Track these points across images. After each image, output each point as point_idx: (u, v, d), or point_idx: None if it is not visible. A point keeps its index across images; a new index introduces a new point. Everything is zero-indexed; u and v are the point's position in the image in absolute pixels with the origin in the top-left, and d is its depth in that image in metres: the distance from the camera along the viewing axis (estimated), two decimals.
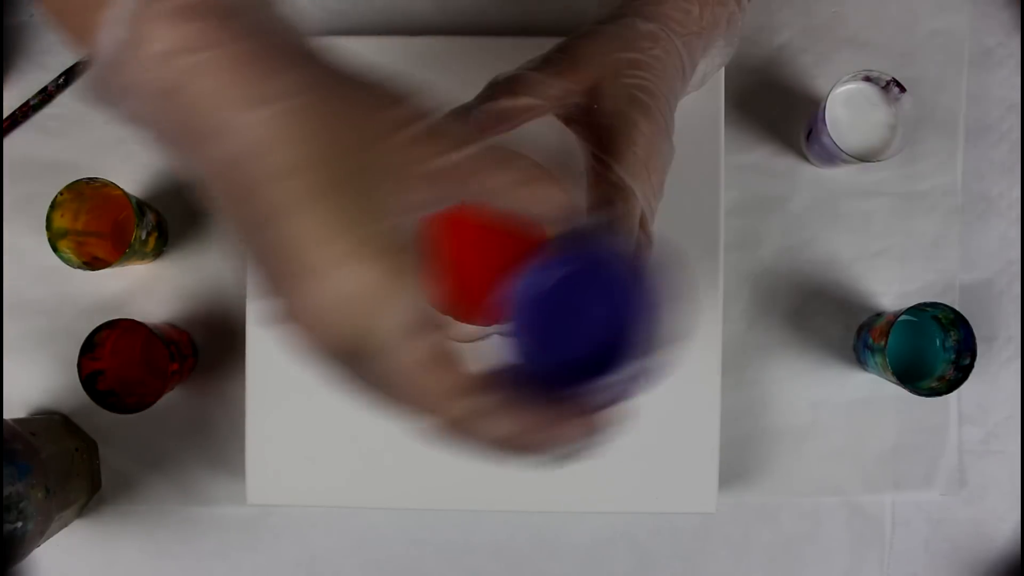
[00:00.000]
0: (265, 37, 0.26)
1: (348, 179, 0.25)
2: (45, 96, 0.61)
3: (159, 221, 0.59)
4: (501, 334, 0.30)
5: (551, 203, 0.29)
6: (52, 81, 0.61)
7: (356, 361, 0.26)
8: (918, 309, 0.55)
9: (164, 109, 0.25)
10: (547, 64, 0.39)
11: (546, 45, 0.41)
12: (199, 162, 0.26)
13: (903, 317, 0.55)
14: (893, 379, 0.55)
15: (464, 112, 0.38)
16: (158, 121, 0.26)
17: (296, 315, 0.25)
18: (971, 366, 0.54)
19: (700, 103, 0.51)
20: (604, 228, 0.30)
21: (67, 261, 0.56)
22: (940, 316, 0.57)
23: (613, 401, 0.29)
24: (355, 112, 0.26)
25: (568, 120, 0.40)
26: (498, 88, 0.39)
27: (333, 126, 0.25)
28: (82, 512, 0.60)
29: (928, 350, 0.59)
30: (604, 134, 0.38)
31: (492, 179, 0.28)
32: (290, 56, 0.26)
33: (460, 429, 0.27)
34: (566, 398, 0.28)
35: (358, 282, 0.25)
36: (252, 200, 0.25)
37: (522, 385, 0.28)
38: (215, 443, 0.61)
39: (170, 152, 0.27)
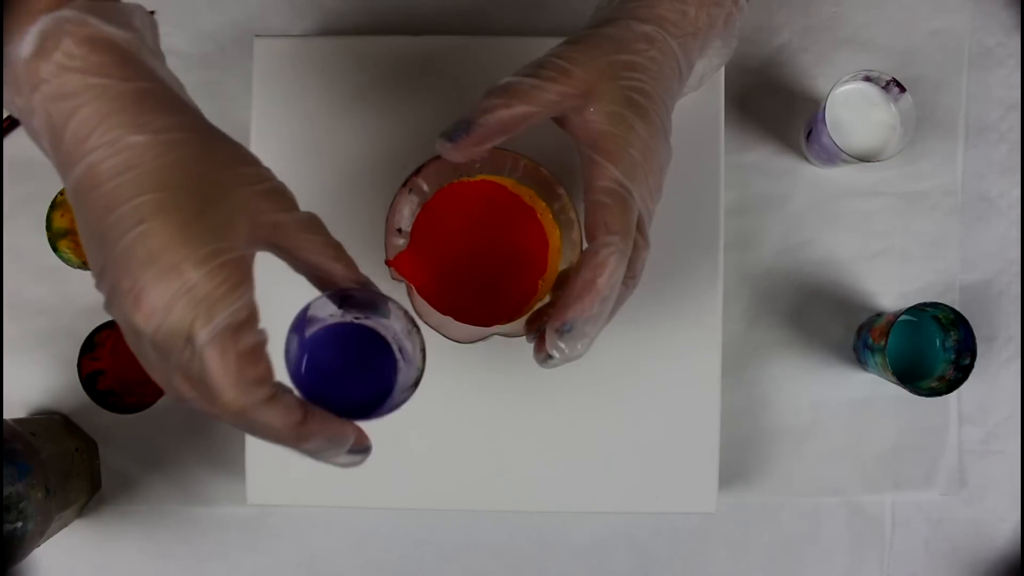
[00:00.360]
0: (155, 83, 0.32)
1: (206, 205, 0.31)
2: None
3: None
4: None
5: (340, 272, 0.35)
6: None
7: (169, 348, 0.30)
8: (918, 309, 0.55)
9: (54, 113, 0.31)
10: (542, 69, 0.39)
11: (546, 45, 0.40)
12: (72, 167, 0.31)
13: (903, 317, 0.55)
14: (893, 379, 0.55)
15: (464, 124, 0.38)
16: (47, 124, 0.31)
17: (132, 293, 0.30)
18: (971, 366, 0.54)
19: (700, 103, 0.51)
20: (373, 300, 0.37)
21: (67, 261, 0.56)
22: (940, 316, 0.57)
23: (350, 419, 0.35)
24: (221, 158, 0.32)
25: (565, 123, 0.40)
26: (494, 96, 0.39)
27: (202, 162, 0.31)
28: (82, 512, 0.60)
29: (928, 350, 0.59)
30: (601, 136, 0.38)
31: (308, 241, 0.34)
32: (172, 103, 0.32)
33: (244, 415, 0.31)
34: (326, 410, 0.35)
35: (208, 281, 0.30)
36: (118, 205, 0.30)
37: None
38: (215, 443, 0.61)
39: (47, 152, 0.32)
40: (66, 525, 0.58)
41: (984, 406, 0.61)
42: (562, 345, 0.38)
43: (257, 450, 0.53)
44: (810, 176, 0.61)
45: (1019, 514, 0.60)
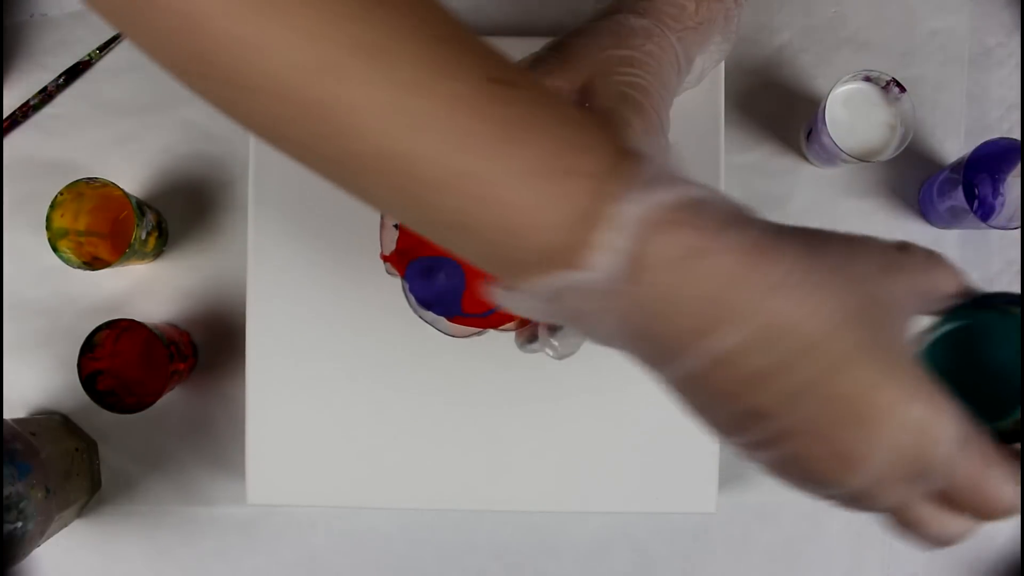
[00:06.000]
0: (743, 223, 0.27)
1: (872, 330, 0.27)
2: (45, 96, 0.61)
3: (159, 221, 0.59)
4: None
5: (957, 281, 0.30)
6: (52, 81, 0.61)
7: (906, 483, 0.27)
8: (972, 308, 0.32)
9: (658, 316, 0.26)
10: (538, 63, 0.39)
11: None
12: (685, 364, 0.27)
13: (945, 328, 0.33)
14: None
15: None
16: (642, 328, 0.27)
17: (838, 458, 0.26)
18: None
19: (700, 103, 0.51)
20: None
21: (67, 261, 0.56)
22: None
23: None
24: (848, 272, 0.27)
25: None
26: None
27: (841, 289, 0.27)
28: (82, 512, 0.60)
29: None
30: None
31: (930, 283, 0.29)
32: (771, 236, 0.27)
33: (1014, 508, 0.28)
34: None
35: (920, 414, 0.26)
36: (790, 372, 0.26)
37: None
38: (215, 443, 0.61)
39: (642, 358, 0.28)
40: (66, 525, 0.58)
41: None
42: (555, 343, 0.38)
43: (257, 450, 0.53)
44: (810, 176, 0.61)
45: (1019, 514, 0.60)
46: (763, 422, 0.27)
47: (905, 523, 0.29)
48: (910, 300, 0.28)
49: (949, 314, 0.31)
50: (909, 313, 0.29)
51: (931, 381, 0.27)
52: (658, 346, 0.27)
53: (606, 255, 0.25)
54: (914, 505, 0.28)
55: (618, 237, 0.25)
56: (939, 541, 0.29)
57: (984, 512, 0.28)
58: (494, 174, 0.25)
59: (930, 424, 0.26)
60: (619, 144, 0.27)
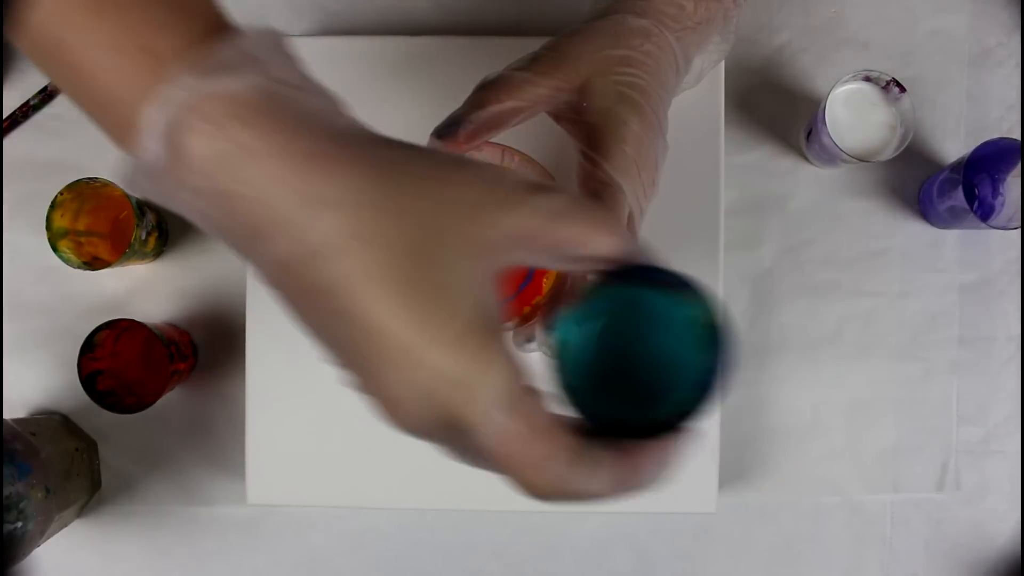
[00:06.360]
0: (313, 127, 0.25)
1: (423, 268, 0.25)
2: (45, 96, 0.61)
3: (159, 221, 0.59)
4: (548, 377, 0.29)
5: (610, 246, 0.28)
6: (52, 81, 0.61)
7: (448, 437, 0.26)
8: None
9: (218, 209, 0.25)
10: (535, 63, 0.39)
11: None
12: (260, 260, 0.26)
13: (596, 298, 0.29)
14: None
15: (454, 122, 0.38)
16: (213, 219, 0.26)
17: (383, 398, 0.25)
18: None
19: (700, 103, 0.51)
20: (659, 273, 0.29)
21: (67, 261, 0.56)
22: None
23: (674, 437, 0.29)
24: (417, 198, 0.25)
25: (559, 118, 0.40)
26: (485, 91, 0.39)
27: (399, 218, 0.25)
28: (82, 512, 0.60)
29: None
30: (593, 132, 0.38)
31: (554, 234, 0.27)
32: (345, 149, 0.26)
33: (558, 491, 0.27)
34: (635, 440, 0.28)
35: (448, 366, 0.24)
36: (325, 296, 0.25)
37: (594, 434, 0.27)
38: (215, 443, 0.61)
39: (227, 245, 0.27)
40: (66, 525, 0.58)
41: (984, 406, 0.61)
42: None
43: (257, 450, 0.53)
44: (810, 176, 0.61)
45: (1019, 514, 0.60)
46: (328, 343, 0.26)
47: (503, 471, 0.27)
48: (509, 245, 0.26)
49: (608, 281, 0.28)
50: (500, 259, 0.26)
51: (485, 335, 0.25)
52: (229, 243, 0.26)
53: (151, 140, 0.25)
54: (467, 458, 0.27)
55: (159, 121, 0.25)
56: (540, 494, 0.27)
57: (521, 484, 0.26)
58: (83, 46, 0.25)
59: (465, 379, 0.24)
60: (213, 26, 0.26)
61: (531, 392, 0.26)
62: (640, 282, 0.29)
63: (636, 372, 0.29)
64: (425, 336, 0.24)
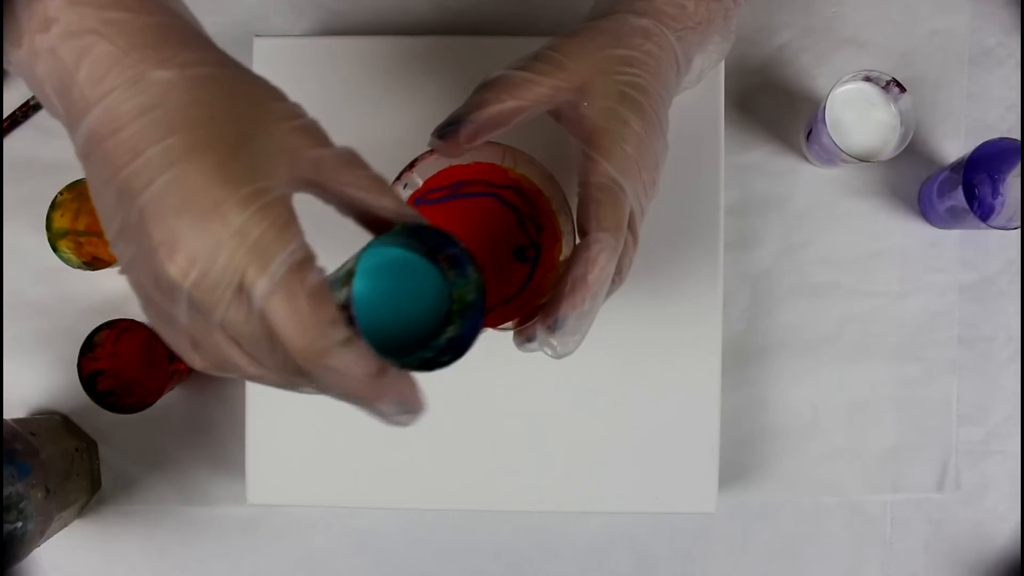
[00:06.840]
0: (175, 18, 0.30)
1: (243, 142, 0.28)
2: None
3: None
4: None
5: (391, 206, 0.32)
6: None
7: (228, 302, 0.28)
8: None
9: (65, 54, 0.28)
10: (536, 62, 0.39)
11: None
12: (86, 113, 0.28)
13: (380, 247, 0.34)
14: None
15: (455, 121, 0.38)
16: (54, 69, 0.29)
17: (178, 255, 0.27)
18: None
19: (700, 103, 0.51)
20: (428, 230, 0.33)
21: (67, 261, 0.56)
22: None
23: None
24: (252, 93, 0.30)
25: (559, 117, 0.40)
26: (486, 91, 0.39)
27: (234, 97, 0.29)
28: (82, 512, 0.60)
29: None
30: (594, 131, 0.38)
31: (352, 175, 0.32)
32: (195, 37, 0.30)
33: (316, 356, 0.28)
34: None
35: (252, 227, 0.27)
36: (144, 148, 0.27)
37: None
38: (215, 443, 0.61)
39: (52, 104, 0.30)
40: (66, 525, 0.58)
41: (984, 406, 0.61)
42: (554, 342, 0.38)
43: (257, 450, 0.53)
44: (810, 176, 0.61)
45: (1019, 514, 0.60)
46: (126, 200, 0.28)
47: (203, 359, 0.30)
48: (308, 166, 0.30)
49: (395, 232, 0.32)
50: (298, 171, 0.30)
51: (290, 212, 0.28)
52: (67, 103, 0.29)
53: (25, 14, 0.28)
54: (215, 335, 0.29)
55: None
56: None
57: (285, 340, 0.28)
58: None
59: (264, 241, 0.27)
60: None
61: (319, 272, 0.29)
62: (411, 244, 0.34)
63: (395, 323, 0.34)
64: (236, 196, 0.27)
